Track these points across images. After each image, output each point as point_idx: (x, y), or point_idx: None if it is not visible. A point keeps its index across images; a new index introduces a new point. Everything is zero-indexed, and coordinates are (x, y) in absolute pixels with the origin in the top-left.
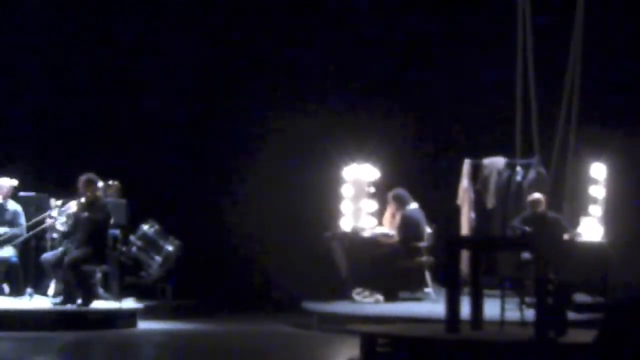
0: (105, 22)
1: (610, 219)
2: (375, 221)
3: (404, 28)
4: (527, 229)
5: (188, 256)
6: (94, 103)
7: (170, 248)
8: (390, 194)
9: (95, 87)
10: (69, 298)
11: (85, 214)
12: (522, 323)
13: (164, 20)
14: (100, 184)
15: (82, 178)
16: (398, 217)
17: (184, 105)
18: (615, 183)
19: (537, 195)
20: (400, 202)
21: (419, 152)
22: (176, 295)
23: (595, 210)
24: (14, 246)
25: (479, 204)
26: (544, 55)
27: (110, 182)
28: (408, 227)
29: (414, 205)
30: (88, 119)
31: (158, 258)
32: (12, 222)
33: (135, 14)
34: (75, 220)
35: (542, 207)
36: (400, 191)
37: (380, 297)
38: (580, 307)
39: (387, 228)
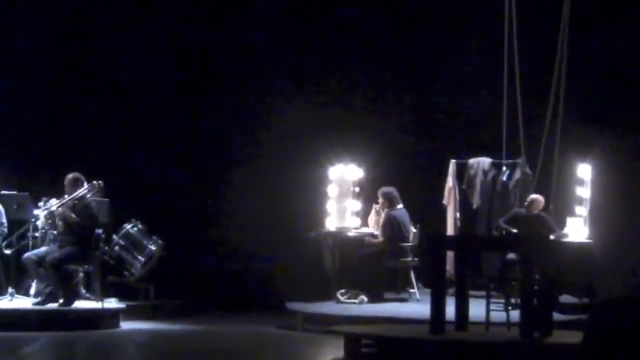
0: None
1: (596, 219)
2: (359, 221)
3: (391, 25)
4: (513, 230)
5: (171, 256)
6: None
7: (153, 248)
8: (380, 191)
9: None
10: (50, 298)
11: (70, 213)
12: (508, 324)
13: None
14: (86, 183)
15: (69, 177)
16: (383, 216)
17: (169, 103)
18: (601, 184)
19: (537, 196)
20: (390, 201)
21: (405, 152)
22: (159, 295)
23: (581, 211)
24: None
25: (464, 204)
26: (530, 54)
27: (95, 182)
28: (393, 226)
29: (400, 206)
30: (70, 118)
31: (141, 258)
32: None
33: None
34: (59, 220)
35: (539, 209)
36: (392, 190)
37: (364, 298)
38: (565, 308)
39: (372, 228)
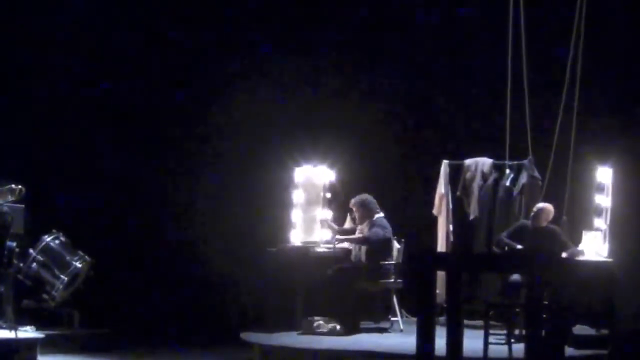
0: None
1: (618, 233)
2: (331, 234)
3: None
4: (518, 246)
5: (101, 276)
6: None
7: (78, 265)
8: (353, 201)
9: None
10: None
11: None
12: None
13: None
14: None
15: None
16: (364, 228)
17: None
18: (624, 191)
19: (546, 205)
20: (367, 211)
21: (386, 151)
22: (85, 324)
23: (600, 223)
24: None
25: (459, 214)
26: (539, 31)
27: (13, 186)
28: (379, 241)
29: (380, 215)
30: None
31: (63, 277)
32: None
33: None
34: None
35: (548, 221)
36: (366, 197)
37: (337, 327)
38: (580, 341)
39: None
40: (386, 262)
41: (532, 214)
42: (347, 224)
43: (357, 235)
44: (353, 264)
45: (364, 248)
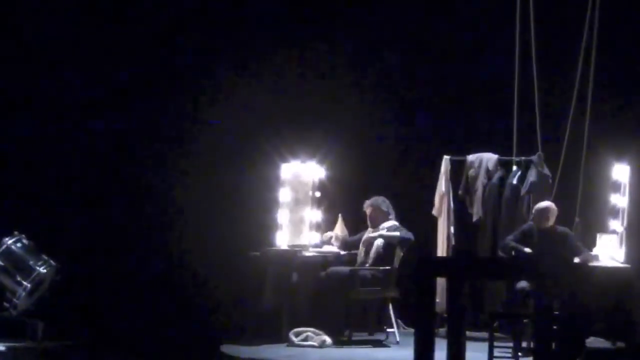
0: None
1: (636, 236)
2: (320, 236)
3: None
4: (526, 250)
5: (68, 282)
6: None
7: (43, 270)
8: (369, 202)
9: None
10: None
11: None
12: None
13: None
14: None
15: None
16: (370, 232)
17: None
18: None
19: (545, 204)
20: (383, 215)
21: (381, 146)
22: (51, 335)
23: (616, 225)
24: None
25: (461, 215)
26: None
27: None
28: (389, 248)
29: (395, 222)
30: None
31: (26, 284)
32: None
33: None
34: None
35: (551, 221)
36: (379, 199)
37: (327, 339)
38: (594, 355)
39: (335, 243)
40: (382, 268)
41: (531, 215)
42: (338, 229)
43: (393, 233)
44: (347, 269)
45: (373, 253)
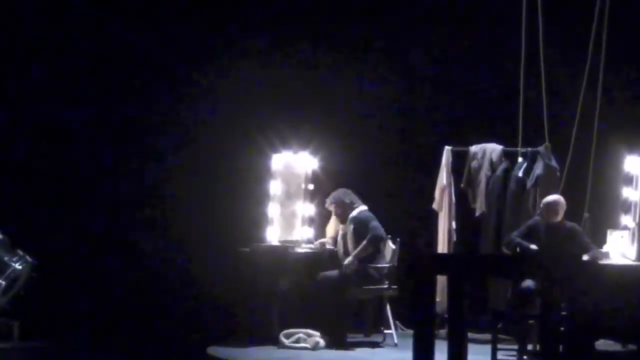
0: None
1: None
2: (313, 231)
3: None
4: (531, 246)
5: (45, 280)
6: None
7: (19, 267)
8: (329, 200)
9: None
10: None
11: None
12: None
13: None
14: None
15: None
16: (346, 228)
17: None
18: None
19: (554, 197)
20: (344, 207)
21: (378, 136)
22: (27, 336)
23: (628, 221)
24: None
25: (463, 210)
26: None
27: None
28: (373, 239)
29: (363, 207)
30: None
31: (1, 281)
32: None
33: None
34: None
35: (560, 216)
36: (344, 191)
37: (320, 341)
38: (604, 358)
39: (330, 240)
40: (379, 265)
41: (538, 210)
42: (332, 225)
43: (354, 241)
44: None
45: (350, 239)
